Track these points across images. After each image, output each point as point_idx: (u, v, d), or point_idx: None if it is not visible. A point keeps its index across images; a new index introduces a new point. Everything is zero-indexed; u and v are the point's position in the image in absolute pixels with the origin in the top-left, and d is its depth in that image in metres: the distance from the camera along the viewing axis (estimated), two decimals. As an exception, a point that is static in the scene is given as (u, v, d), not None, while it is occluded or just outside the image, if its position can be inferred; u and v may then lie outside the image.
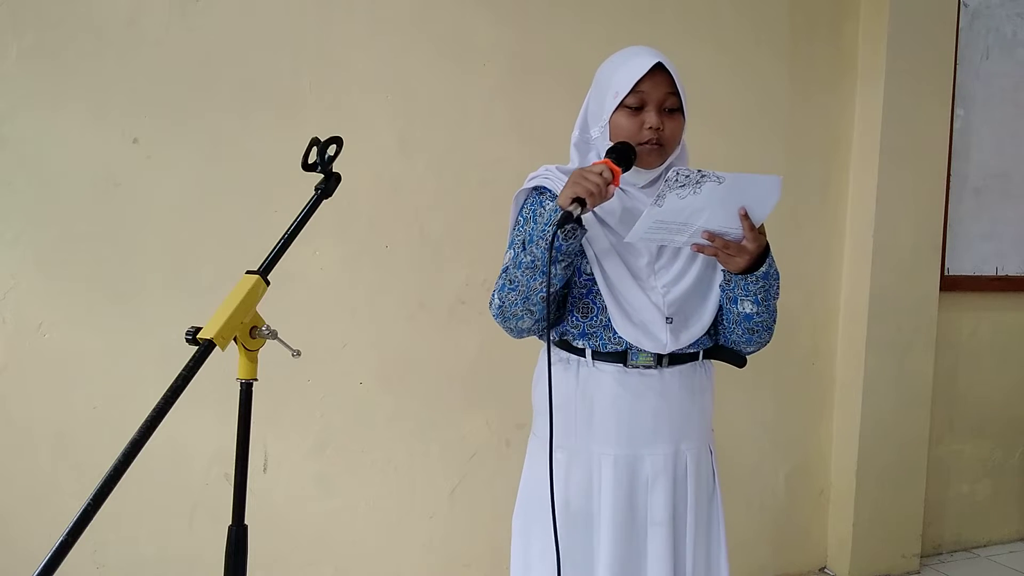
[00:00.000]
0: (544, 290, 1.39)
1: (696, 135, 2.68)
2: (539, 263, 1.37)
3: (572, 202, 1.31)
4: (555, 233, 1.31)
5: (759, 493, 3.01)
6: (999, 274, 3.37)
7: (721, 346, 1.56)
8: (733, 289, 1.46)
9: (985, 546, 3.44)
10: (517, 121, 2.52)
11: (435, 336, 2.47)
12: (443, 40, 2.44)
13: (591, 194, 1.31)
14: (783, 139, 2.94)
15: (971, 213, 3.29)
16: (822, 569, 3.15)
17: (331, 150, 1.33)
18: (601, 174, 1.33)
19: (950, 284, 3.22)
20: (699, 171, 1.27)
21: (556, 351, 1.52)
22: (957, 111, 3.20)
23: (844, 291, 3.08)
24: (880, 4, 2.94)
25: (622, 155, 1.39)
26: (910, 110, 2.98)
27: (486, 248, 2.48)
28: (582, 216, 1.33)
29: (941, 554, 3.35)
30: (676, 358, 1.49)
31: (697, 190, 1.29)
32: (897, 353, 3.05)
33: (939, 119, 3.07)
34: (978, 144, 3.28)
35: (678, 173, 1.26)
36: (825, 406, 3.11)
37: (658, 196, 1.29)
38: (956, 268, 3.27)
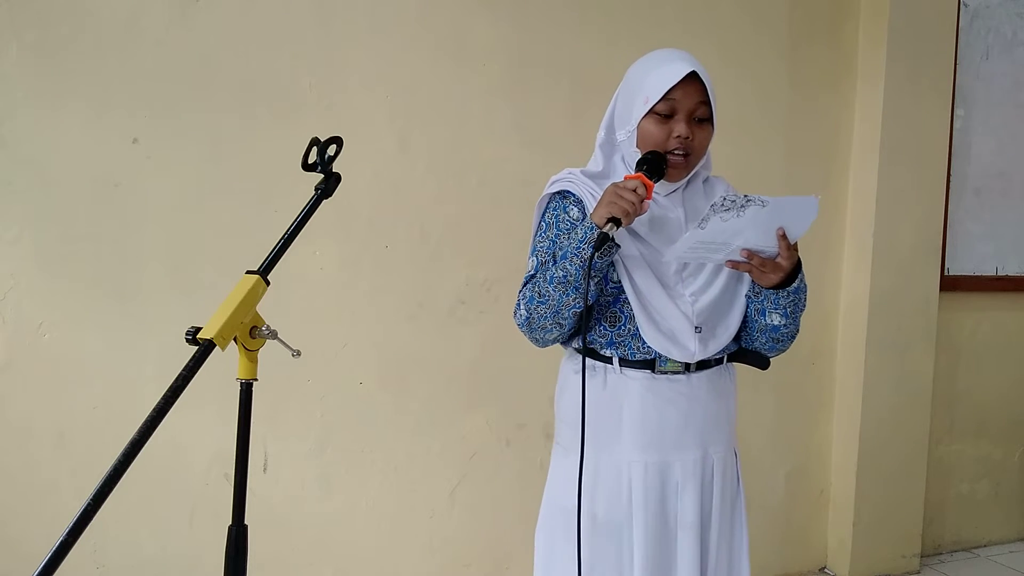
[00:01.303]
0: (576, 305, 1.38)
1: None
2: (572, 279, 1.35)
3: (608, 222, 1.31)
4: (593, 255, 1.30)
5: (759, 493, 3.00)
6: (999, 274, 3.36)
7: (745, 349, 1.55)
8: (763, 302, 1.46)
9: (985, 546, 3.44)
10: (517, 121, 2.52)
11: (435, 336, 2.47)
12: (443, 40, 2.44)
13: (627, 214, 1.31)
14: (783, 139, 2.94)
15: (971, 213, 3.29)
16: (822, 569, 3.15)
17: (331, 150, 1.33)
18: (635, 190, 1.32)
19: (950, 284, 3.22)
20: (745, 196, 1.28)
21: (580, 359, 1.52)
22: (957, 111, 3.20)
23: (844, 291, 3.08)
24: (880, 4, 2.94)
25: (653, 166, 1.38)
26: (910, 110, 2.98)
27: (486, 248, 2.49)
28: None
29: (941, 554, 3.35)
30: (703, 363, 1.48)
31: (741, 213, 1.29)
32: (897, 353, 3.05)
33: (939, 119, 3.07)
34: (978, 144, 3.28)
35: (724, 199, 1.26)
36: (825, 406, 3.11)
37: (703, 219, 1.29)
38: (956, 268, 3.27)
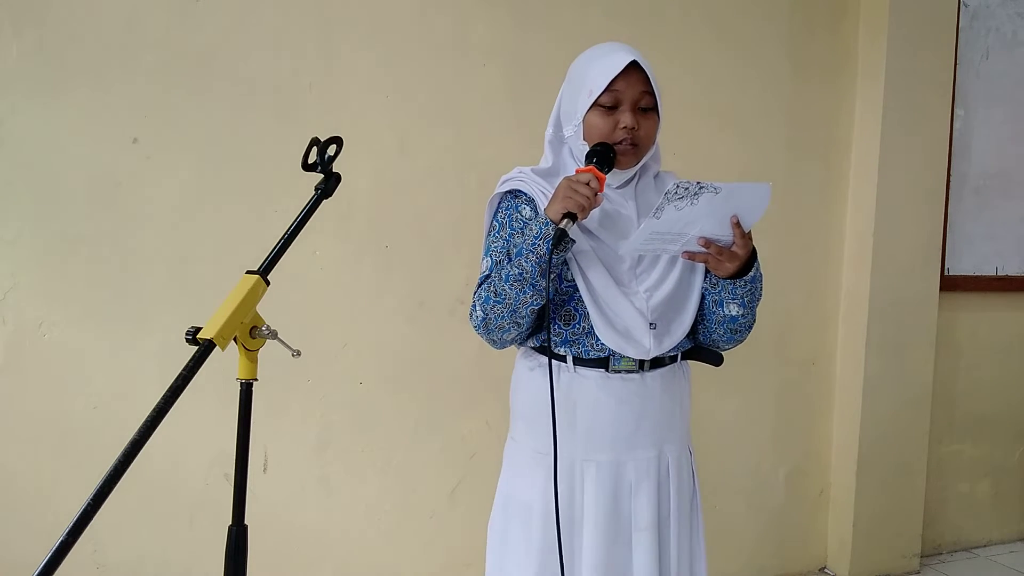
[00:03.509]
0: (534, 303, 1.37)
1: (696, 135, 2.70)
2: (528, 276, 1.34)
3: (563, 217, 1.30)
4: (550, 251, 1.30)
5: (759, 493, 3.01)
6: (999, 274, 3.36)
7: (698, 347, 1.55)
8: (720, 292, 1.46)
9: (985, 546, 3.44)
10: (517, 121, 2.51)
11: (435, 336, 2.47)
12: (443, 40, 2.44)
13: (583, 208, 1.31)
14: (783, 139, 2.94)
15: (971, 213, 3.29)
16: (822, 569, 3.15)
17: (331, 150, 1.33)
18: (589, 184, 1.32)
19: (950, 284, 3.22)
20: (698, 183, 1.27)
21: (537, 356, 1.50)
22: (957, 111, 3.20)
23: (844, 291, 3.08)
24: (880, 4, 2.94)
25: (603, 157, 1.38)
26: (910, 110, 2.98)
27: (486, 248, 2.48)
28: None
29: (941, 554, 3.35)
30: (657, 361, 1.48)
31: (695, 201, 1.28)
32: (897, 353, 3.05)
33: (939, 119, 3.07)
34: (978, 144, 3.28)
35: (678, 186, 1.26)
36: (825, 406, 3.11)
37: (656, 209, 1.28)
38: (956, 268, 3.27)
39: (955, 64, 3.13)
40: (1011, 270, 3.39)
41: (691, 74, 2.73)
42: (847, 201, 3.07)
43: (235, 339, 1.18)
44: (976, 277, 3.31)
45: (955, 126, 3.19)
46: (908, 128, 2.98)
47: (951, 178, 3.18)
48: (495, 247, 1.47)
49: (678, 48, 2.72)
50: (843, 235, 3.08)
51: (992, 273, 3.35)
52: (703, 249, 1.38)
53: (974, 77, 3.24)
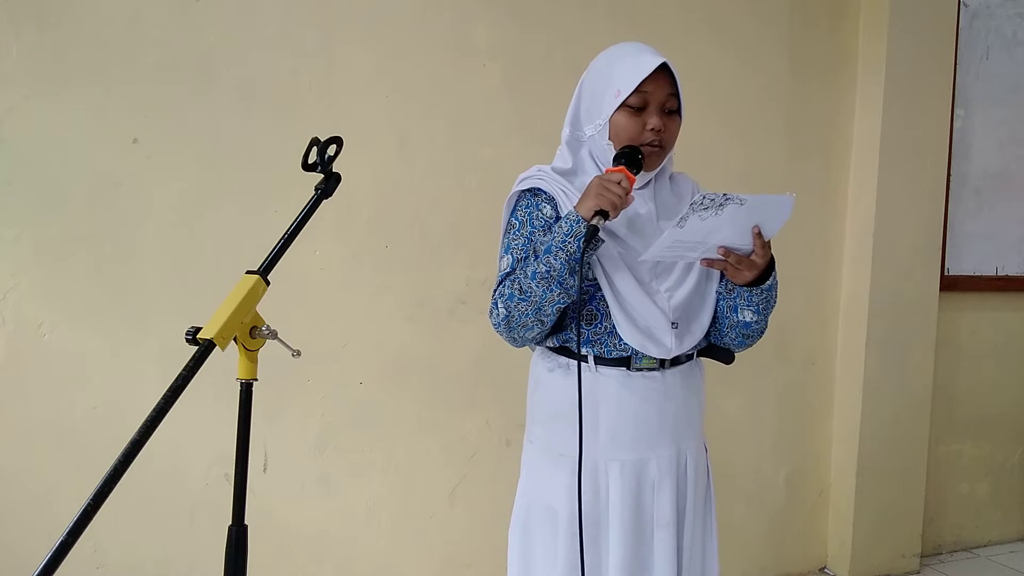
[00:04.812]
0: (560, 300, 1.37)
1: (697, 135, 2.69)
2: (555, 274, 1.34)
3: (595, 215, 1.30)
4: (584, 249, 1.30)
5: (759, 493, 3.01)
6: (999, 274, 3.37)
7: (712, 345, 1.56)
8: (735, 299, 1.46)
9: (985, 546, 3.44)
10: (517, 121, 2.52)
11: (435, 336, 2.47)
12: (443, 40, 2.44)
13: (615, 207, 1.31)
14: (783, 139, 2.94)
15: (971, 213, 3.29)
16: (822, 569, 3.15)
17: (331, 150, 1.33)
18: (620, 183, 1.32)
19: (950, 284, 3.22)
20: (724, 195, 1.27)
21: (555, 357, 1.50)
22: (957, 111, 3.20)
23: (844, 291, 3.08)
24: (880, 4, 2.94)
25: (631, 160, 1.38)
26: (910, 110, 2.98)
27: (486, 248, 2.48)
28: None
29: (941, 554, 3.35)
30: (675, 359, 1.49)
31: (719, 212, 1.29)
32: (897, 353, 3.05)
33: (939, 119, 3.07)
34: (978, 144, 3.28)
35: (704, 197, 1.26)
36: (825, 406, 3.11)
37: (681, 219, 1.28)
38: (956, 268, 3.27)
39: (955, 64, 3.13)
40: (1011, 270, 3.39)
41: (691, 74, 2.70)
42: (847, 201, 3.07)
43: (235, 339, 1.18)
44: (976, 277, 3.31)
45: (955, 126, 3.19)
46: (908, 128, 2.98)
47: (951, 178, 3.18)
48: (516, 244, 1.46)
49: (678, 48, 2.70)
50: (843, 235, 3.08)
51: (992, 273, 3.35)
52: (722, 257, 1.38)
53: (974, 77, 3.24)
